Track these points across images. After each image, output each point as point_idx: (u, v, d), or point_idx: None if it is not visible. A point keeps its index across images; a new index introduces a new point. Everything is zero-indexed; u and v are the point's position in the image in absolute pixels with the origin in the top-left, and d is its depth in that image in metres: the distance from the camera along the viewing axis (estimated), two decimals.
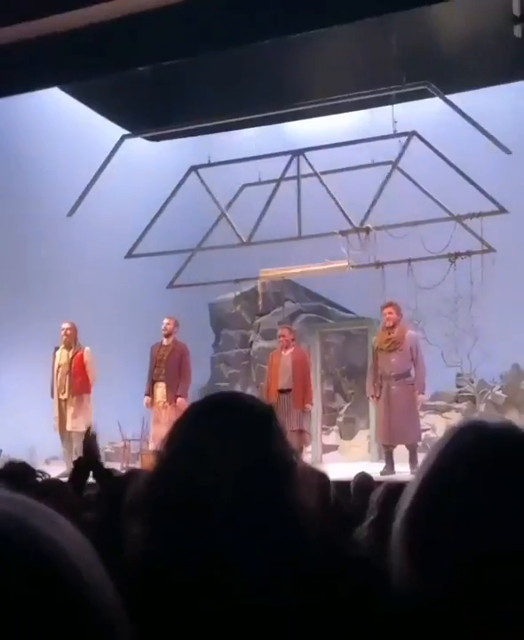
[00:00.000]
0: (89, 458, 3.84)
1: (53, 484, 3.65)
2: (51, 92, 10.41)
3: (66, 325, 9.74)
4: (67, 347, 9.72)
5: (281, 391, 9.62)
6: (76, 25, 8.14)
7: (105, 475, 3.78)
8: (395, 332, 8.95)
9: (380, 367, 9.00)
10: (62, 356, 9.70)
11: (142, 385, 9.90)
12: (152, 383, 9.62)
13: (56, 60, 8.31)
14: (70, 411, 9.58)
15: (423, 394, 9.24)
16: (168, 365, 9.54)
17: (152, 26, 7.95)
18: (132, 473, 3.39)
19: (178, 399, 9.42)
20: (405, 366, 8.93)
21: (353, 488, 5.50)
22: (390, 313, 9.03)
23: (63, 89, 11.20)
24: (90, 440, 3.93)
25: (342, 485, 5.79)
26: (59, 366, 9.68)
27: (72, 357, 9.65)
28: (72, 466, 4.07)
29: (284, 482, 1.30)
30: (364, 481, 5.56)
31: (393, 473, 8.67)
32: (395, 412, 8.87)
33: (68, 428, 9.55)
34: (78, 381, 9.58)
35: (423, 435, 10.24)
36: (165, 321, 9.77)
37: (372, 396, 9.25)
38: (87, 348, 9.73)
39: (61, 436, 9.74)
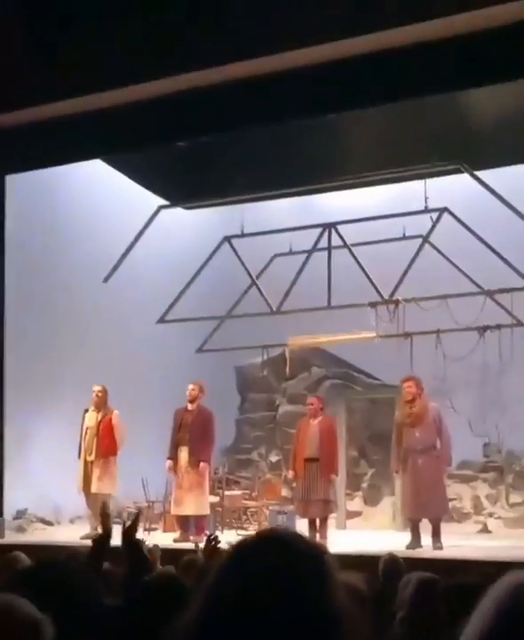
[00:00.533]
0: (130, 544, 3.78)
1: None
2: (92, 162, 10.69)
3: (97, 388, 9.86)
4: (97, 409, 9.82)
5: (308, 460, 9.60)
6: (121, 102, 8.43)
7: (138, 562, 3.70)
8: (416, 406, 8.92)
9: (405, 441, 8.92)
10: (91, 418, 9.79)
11: (166, 445, 9.93)
12: (175, 447, 9.64)
13: (100, 134, 8.57)
14: (96, 472, 9.62)
15: (449, 466, 9.18)
16: (192, 430, 9.57)
17: (191, 104, 8.20)
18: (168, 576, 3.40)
19: (201, 464, 9.44)
20: (430, 439, 8.86)
21: (381, 571, 5.41)
22: (409, 387, 8.98)
23: (105, 160, 11.49)
24: (129, 526, 3.87)
25: (368, 561, 5.76)
26: (87, 428, 9.76)
27: (101, 420, 9.73)
28: (93, 541, 4.02)
29: (337, 635, 1.27)
30: (393, 565, 5.45)
31: (420, 547, 8.56)
32: (422, 485, 8.77)
33: (93, 489, 9.57)
34: (105, 444, 9.64)
35: (449, 505, 10.16)
36: (190, 387, 9.82)
37: (396, 472, 9.19)
38: (116, 412, 9.81)
39: (86, 497, 9.76)
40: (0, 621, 1.30)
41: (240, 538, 1.47)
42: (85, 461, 9.68)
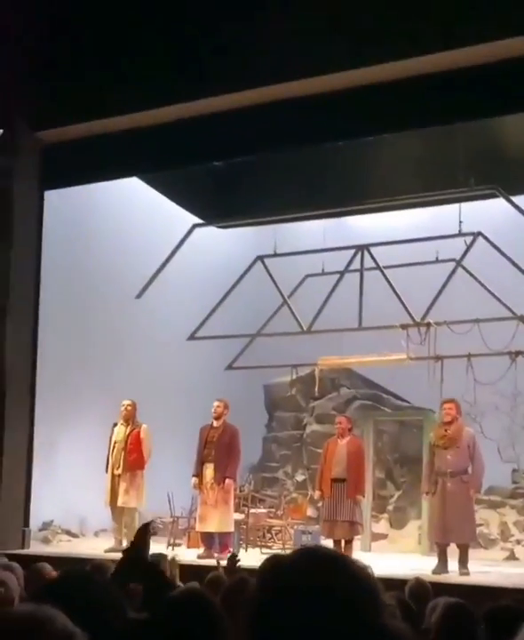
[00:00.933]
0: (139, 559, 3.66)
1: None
2: (128, 180, 10.81)
3: (126, 402, 9.92)
4: (126, 423, 9.87)
5: (335, 480, 9.56)
6: (159, 121, 8.53)
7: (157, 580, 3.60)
8: (452, 428, 8.88)
9: (436, 464, 8.90)
10: (120, 432, 9.84)
11: (193, 461, 9.94)
12: (200, 464, 9.64)
13: (138, 152, 8.68)
14: (122, 486, 9.66)
15: (478, 493, 9.11)
16: (217, 447, 9.57)
17: (228, 125, 8.29)
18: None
19: (227, 480, 9.44)
20: (462, 464, 8.82)
21: (408, 595, 5.36)
22: (450, 408, 8.97)
23: (141, 178, 11.62)
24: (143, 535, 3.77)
25: (394, 584, 5.70)
26: (115, 442, 9.81)
27: (129, 434, 9.78)
28: (122, 553, 3.94)
29: None
30: (420, 589, 5.40)
31: (447, 572, 8.47)
32: (450, 509, 8.72)
33: (119, 503, 9.61)
34: (133, 458, 9.68)
35: (476, 531, 10.04)
36: (215, 404, 9.84)
37: (426, 493, 9.12)
38: (144, 426, 9.87)
39: (112, 511, 9.80)
40: (37, 633, 1.30)
41: (272, 554, 1.44)
42: (112, 475, 9.73)
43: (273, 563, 1.41)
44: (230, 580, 3.91)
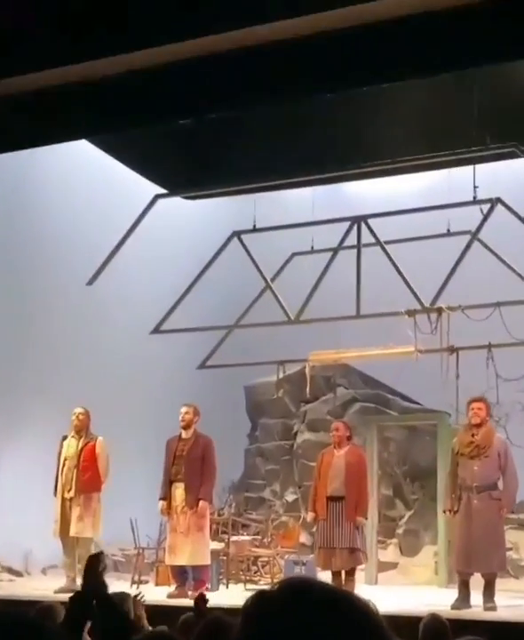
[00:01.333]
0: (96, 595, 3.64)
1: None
2: (77, 143, 10.80)
3: (78, 410, 9.90)
4: (78, 435, 9.85)
5: (331, 498, 9.62)
6: (111, 72, 8.51)
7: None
8: (480, 433, 8.93)
9: (460, 476, 8.92)
10: (71, 446, 9.81)
11: (161, 479, 10.00)
12: (169, 484, 9.68)
13: (87, 110, 8.65)
14: (75, 512, 9.63)
15: (511, 512, 9.15)
16: (188, 463, 9.62)
17: (194, 75, 8.28)
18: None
19: (200, 503, 9.47)
20: (490, 476, 8.84)
21: (422, 635, 5.45)
22: (480, 408, 8.96)
23: (91, 141, 11.60)
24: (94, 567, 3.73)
25: (406, 623, 5.79)
26: (65, 459, 9.78)
27: (82, 448, 9.75)
28: (71, 594, 3.94)
29: None
30: (437, 627, 5.48)
31: (469, 607, 8.54)
32: (476, 532, 8.69)
33: (72, 532, 9.57)
34: (87, 477, 9.67)
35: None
36: (183, 410, 9.86)
37: (448, 511, 9.16)
38: (100, 438, 9.85)
39: (63, 542, 9.76)
40: None
41: (258, 589, 1.47)
42: (63, 499, 9.71)
43: (257, 602, 1.37)
44: (202, 622, 3.98)
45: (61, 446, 9.89)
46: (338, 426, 9.98)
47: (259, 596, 1.38)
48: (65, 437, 9.94)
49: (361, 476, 9.74)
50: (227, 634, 3.64)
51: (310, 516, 9.88)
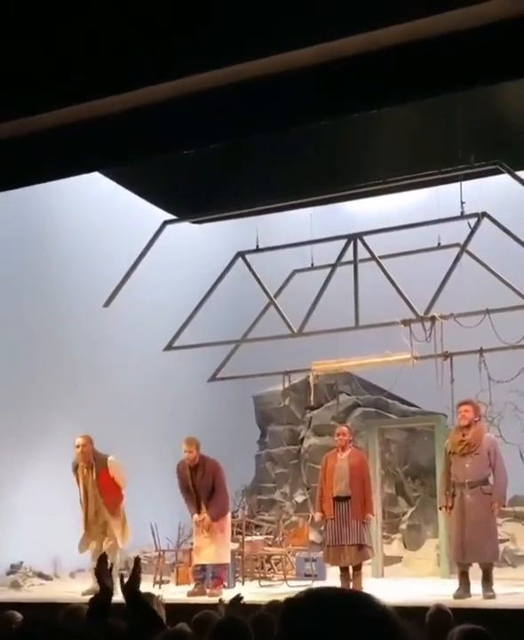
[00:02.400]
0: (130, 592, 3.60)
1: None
2: (88, 175, 10.88)
3: (79, 440, 9.66)
4: (87, 463, 9.67)
5: (338, 499, 9.64)
6: (119, 108, 8.60)
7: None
8: (470, 433, 8.99)
9: (453, 473, 8.99)
10: (86, 478, 9.65)
11: (176, 487, 10.05)
12: (191, 504, 9.82)
13: (97, 144, 8.73)
14: (110, 532, 9.59)
15: (503, 506, 9.21)
16: (201, 489, 9.72)
17: (197, 108, 8.35)
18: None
19: (219, 520, 9.60)
20: (481, 473, 8.90)
21: (427, 625, 5.47)
22: (467, 411, 9.03)
23: (103, 172, 11.68)
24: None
25: (411, 613, 5.83)
26: (86, 489, 9.65)
27: (97, 477, 9.62)
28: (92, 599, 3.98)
29: None
30: (441, 616, 5.49)
31: (469, 596, 8.57)
32: (470, 525, 8.76)
33: (104, 548, 9.39)
34: (111, 500, 9.59)
35: (501, 547, 10.19)
36: (184, 448, 9.75)
37: (444, 508, 9.22)
38: (110, 459, 9.68)
39: (93, 555, 9.74)
40: None
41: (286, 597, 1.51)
42: (93, 523, 9.65)
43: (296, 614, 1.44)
44: (216, 621, 4.01)
45: (76, 475, 9.74)
46: (343, 430, 10.02)
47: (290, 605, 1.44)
48: (76, 466, 9.76)
49: (364, 477, 9.78)
50: (241, 633, 3.70)
51: (318, 515, 9.91)
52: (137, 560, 3.85)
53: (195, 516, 9.80)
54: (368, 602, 1.42)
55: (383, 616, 1.42)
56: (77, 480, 9.78)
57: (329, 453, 10.06)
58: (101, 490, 9.63)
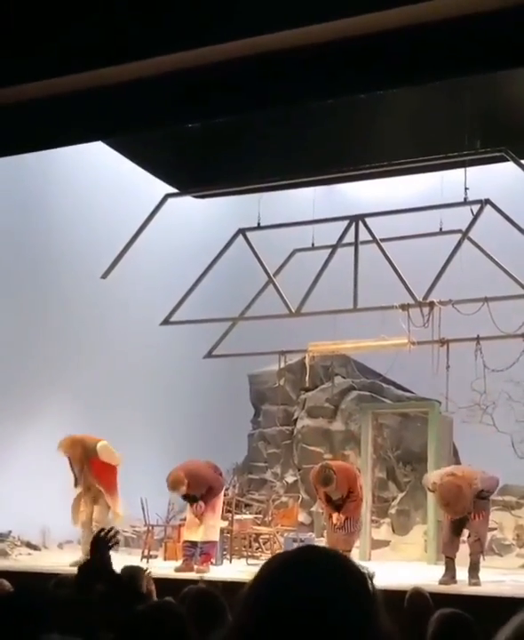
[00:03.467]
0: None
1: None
2: (92, 144, 10.81)
3: (61, 450, 9.52)
4: (79, 464, 9.60)
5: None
6: (124, 78, 8.52)
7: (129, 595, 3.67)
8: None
9: None
10: (79, 471, 9.63)
11: (170, 461, 10.04)
12: None
13: (101, 113, 8.65)
14: (104, 507, 9.60)
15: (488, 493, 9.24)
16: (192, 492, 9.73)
17: (203, 81, 8.28)
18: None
19: (205, 514, 9.59)
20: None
21: (406, 607, 5.47)
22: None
23: (107, 142, 11.61)
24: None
25: (393, 596, 5.82)
26: (85, 488, 9.64)
27: (89, 468, 9.58)
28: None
29: None
30: (419, 600, 5.49)
31: (455, 582, 8.60)
32: None
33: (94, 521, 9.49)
34: (107, 483, 9.58)
35: (489, 536, 10.21)
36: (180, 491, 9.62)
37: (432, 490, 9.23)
38: (100, 445, 9.59)
39: (81, 524, 9.77)
40: None
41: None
42: (87, 503, 9.63)
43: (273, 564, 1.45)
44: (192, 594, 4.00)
45: (71, 467, 9.66)
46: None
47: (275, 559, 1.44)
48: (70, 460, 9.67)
49: (352, 488, 9.89)
50: (215, 604, 3.68)
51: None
52: (109, 530, 3.84)
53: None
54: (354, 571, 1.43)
55: (365, 587, 1.42)
56: (70, 465, 9.75)
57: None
58: (95, 477, 9.62)
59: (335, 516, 9.80)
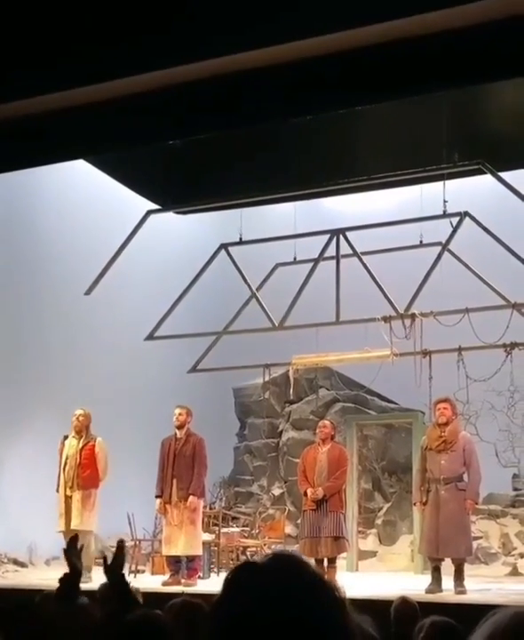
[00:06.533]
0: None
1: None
2: (74, 162, 10.83)
3: (79, 412, 9.86)
4: (78, 435, 9.82)
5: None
6: (106, 96, 8.55)
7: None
8: (447, 430, 8.99)
9: (428, 469, 9.00)
10: (71, 445, 9.78)
11: (156, 477, 10.00)
12: (162, 481, 9.68)
13: (83, 132, 8.67)
14: (76, 507, 9.64)
15: (476, 503, 9.22)
16: (180, 459, 9.61)
17: (184, 99, 8.31)
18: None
19: (190, 497, 9.47)
20: (456, 470, 8.90)
21: (393, 616, 5.48)
22: (445, 408, 9.03)
23: (88, 160, 11.63)
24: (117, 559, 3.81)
25: (380, 606, 5.82)
26: (67, 457, 9.75)
27: (82, 448, 9.73)
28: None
29: None
30: (406, 608, 5.49)
31: (441, 591, 8.57)
32: (443, 520, 8.76)
33: (73, 525, 9.50)
34: (87, 475, 9.65)
35: (474, 544, 10.21)
36: (177, 411, 9.81)
37: (418, 503, 9.22)
38: (99, 439, 9.82)
39: (65, 536, 9.72)
40: None
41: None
42: (65, 496, 9.70)
43: (242, 569, 1.46)
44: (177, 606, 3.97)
45: (62, 445, 9.85)
46: (325, 423, 9.97)
47: (245, 565, 1.45)
48: (66, 437, 9.89)
49: (342, 472, 9.76)
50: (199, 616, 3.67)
51: (311, 491, 9.66)
52: (121, 542, 3.82)
53: (158, 501, 9.66)
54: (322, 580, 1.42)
55: (333, 595, 1.41)
56: (61, 450, 9.84)
57: (310, 447, 10.03)
58: (82, 461, 9.68)
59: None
